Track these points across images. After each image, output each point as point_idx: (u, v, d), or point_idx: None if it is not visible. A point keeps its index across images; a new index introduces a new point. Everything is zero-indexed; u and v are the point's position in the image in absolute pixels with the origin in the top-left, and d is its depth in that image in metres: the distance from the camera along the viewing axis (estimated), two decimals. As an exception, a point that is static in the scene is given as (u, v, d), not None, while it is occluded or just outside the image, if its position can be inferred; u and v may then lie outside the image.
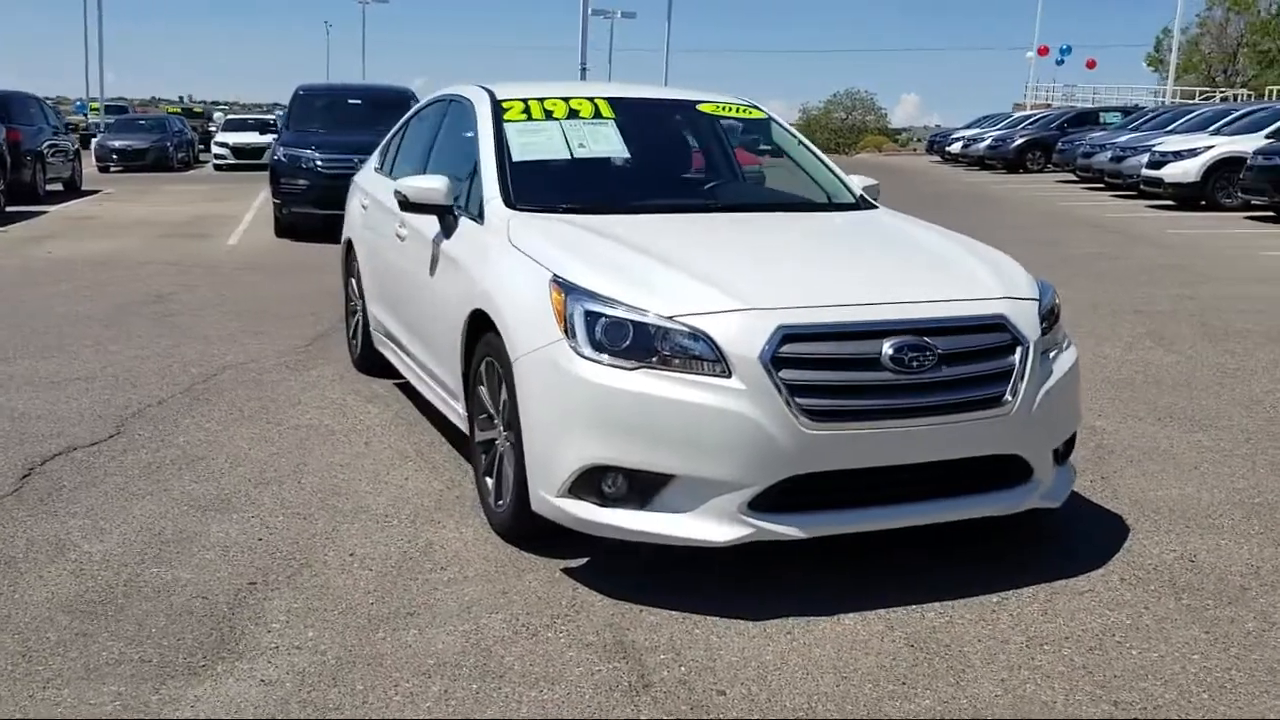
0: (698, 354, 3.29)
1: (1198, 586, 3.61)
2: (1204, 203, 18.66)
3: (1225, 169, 18.70)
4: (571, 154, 4.64)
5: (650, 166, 4.90)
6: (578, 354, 3.39)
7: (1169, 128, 23.33)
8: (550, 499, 3.48)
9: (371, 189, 6.08)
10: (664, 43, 45.33)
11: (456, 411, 4.50)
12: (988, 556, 3.81)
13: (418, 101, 14.77)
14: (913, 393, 3.35)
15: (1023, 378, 3.50)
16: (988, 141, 32.71)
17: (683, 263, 3.66)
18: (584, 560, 3.73)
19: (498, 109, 4.80)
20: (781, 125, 5.28)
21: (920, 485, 3.45)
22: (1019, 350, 3.53)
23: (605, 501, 3.39)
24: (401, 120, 6.28)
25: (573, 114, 4.82)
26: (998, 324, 3.54)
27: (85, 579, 3.57)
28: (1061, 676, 3.01)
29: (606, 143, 4.73)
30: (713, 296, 3.39)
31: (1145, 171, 19.86)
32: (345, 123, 14.18)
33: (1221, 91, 36.16)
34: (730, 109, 5.24)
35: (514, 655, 3.10)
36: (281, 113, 23.81)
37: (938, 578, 3.62)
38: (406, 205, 4.56)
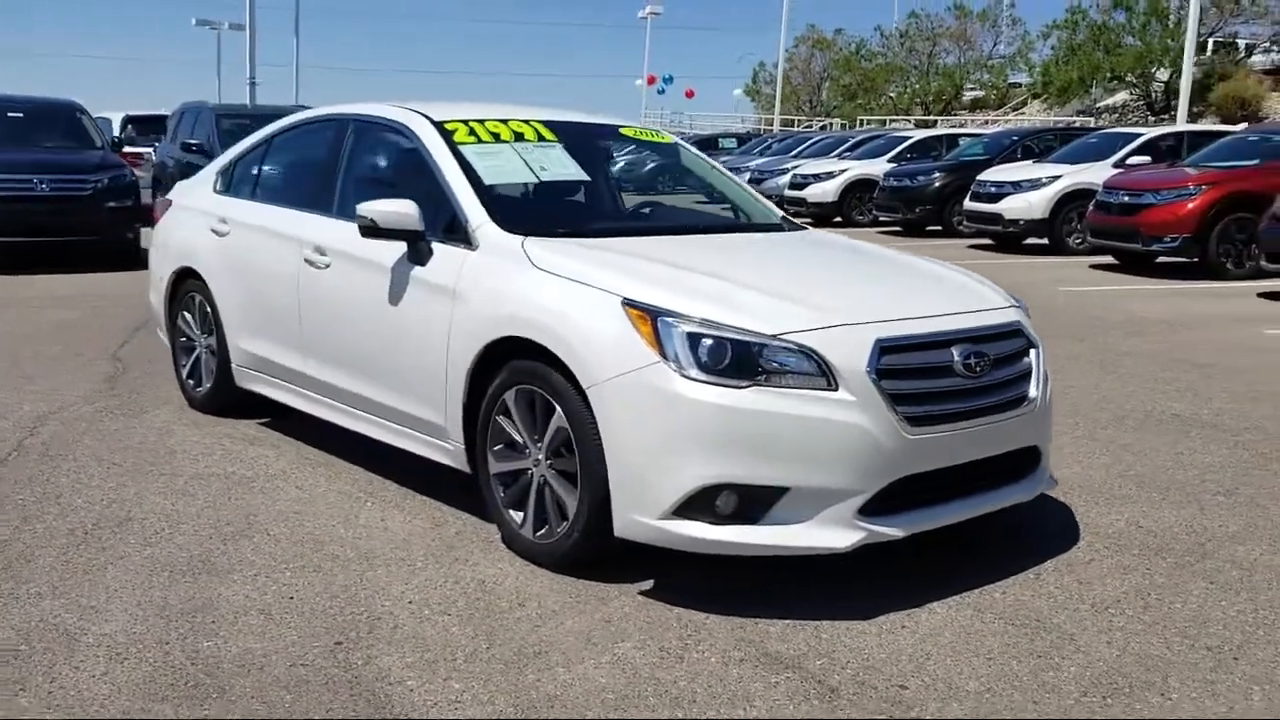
0: (803, 369, 3.43)
1: (1168, 547, 4.21)
2: (840, 219, 20.85)
3: (858, 189, 21.21)
4: (537, 177, 4.59)
5: (611, 189, 4.93)
6: (682, 376, 3.42)
7: (793, 152, 25.91)
8: (650, 522, 3.47)
9: (231, 213, 5.59)
10: (281, 58, 43.43)
11: (438, 446, 4.30)
12: (978, 546, 4.21)
13: (86, 114, 13.71)
14: (977, 395, 3.69)
15: (1038, 376, 3.95)
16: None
17: (744, 281, 3.78)
18: (649, 582, 3.74)
19: (444, 132, 4.64)
20: (692, 151, 5.48)
21: (976, 480, 3.79)
22: (1033, 352, 3.98)
23: (718, 519, 3.44)
24: (252, 141, 5.82)
25: (518, 137, 4.76)
26: (1017, 330, 3.97)
27: (139, 666, 3.12)
28: (1149, 630, 3.45)
29: (563, 166, 4.71)
30: (804, 314, 3.54)
31: (788, 192, 21.86)
32: (8, 138, 12.62)
33: (819, 120, 40.34)
34: (645, 134, 5.37)
35: (684, 679, 3.09)
36: None
37: (966, 569, 3.96)
38: (372, 231, 4.31)
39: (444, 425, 4.24)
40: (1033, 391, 3.91)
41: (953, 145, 22.28)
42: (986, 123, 34.71)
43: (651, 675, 3.12)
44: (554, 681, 3.07)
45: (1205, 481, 5.02)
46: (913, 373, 3.57)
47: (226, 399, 5.75)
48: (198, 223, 5.84)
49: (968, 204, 17.18)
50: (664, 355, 3.45)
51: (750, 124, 47.16)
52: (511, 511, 3.99)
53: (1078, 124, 30.51)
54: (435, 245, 4.31)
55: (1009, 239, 16.67)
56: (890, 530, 3.53)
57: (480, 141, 4.64)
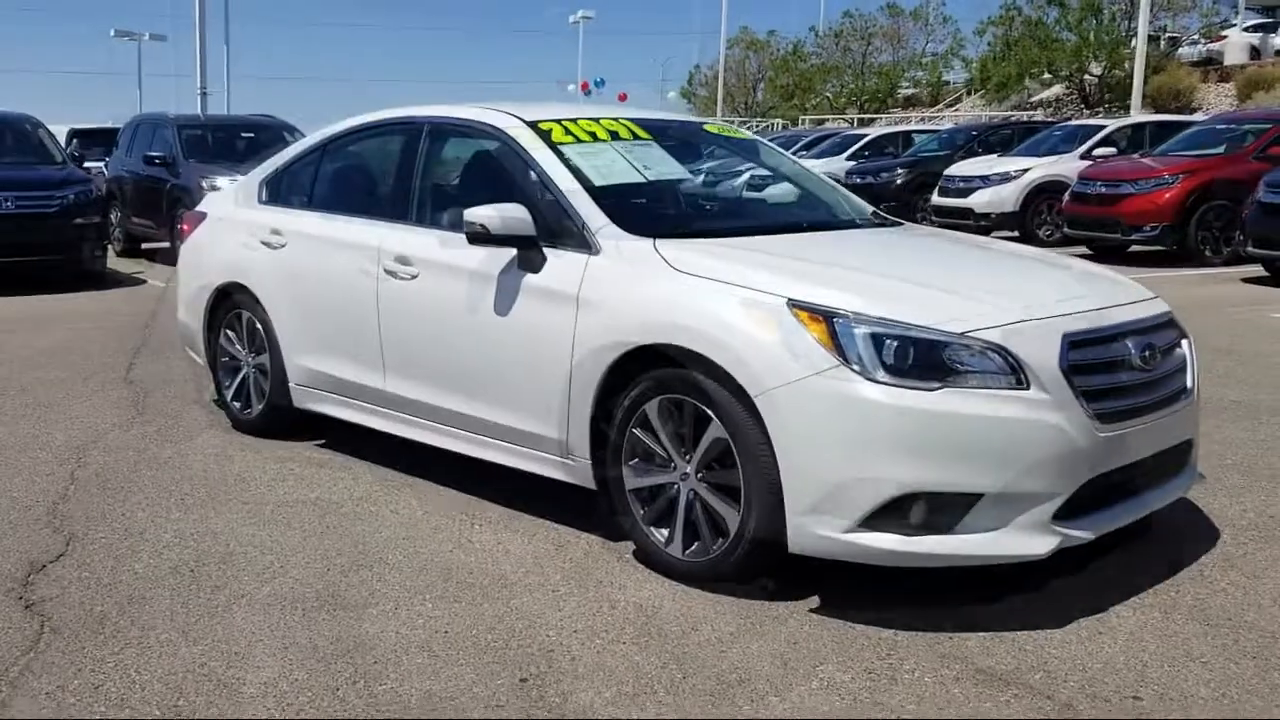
0: (992, 368, 3.28)
1: (1303, 537, 4.14)
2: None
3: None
4: (644, 177, 4.38)
5: (710, 188, 4.74)
6: (869, 379, 3.24)
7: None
8: (835, 535, 3.29)
9: (286, 224, 5.29)
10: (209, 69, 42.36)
11: (557, 463, 4.08)
12: (1115, 544, 4.08)
13: (43, 127, 13.11)
14: (1152, 389, 3.58)
15: (1193, 367, 3.85)
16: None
17: (904, 277, 3.63)
18: (814, 598, 3.56)
19: (540, 132, 4.42)
20: (772, 147, 5.31)
21: (1144, 476, 3.67)
22: (1185, 342, 3.88)
23: (909, 530, 3.27)
24: (301, 149, 5.52)
25: (614, 136, 4.55)
26: (1171, 320, 3.86)
27: (320, 716, 2.86)
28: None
29: (666, 165, 4.51)
30: (987, 310, 3.40)
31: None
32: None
33: (757, 121, 40.52)
34: (727, 130, 5.19)
35: (909, 703, 2.92)
36: None
37: (1117, 567, 3.83)
38: (483, 238, 4.07)
39: (564, 440, 4.02)
40: (1189, 382, 3.81)
41: (908, 142, 22.45)
42: (925, 119, 35.10)
43: (872, 699, 2.94)
44: (772, 710, 2.88)
45: (1307, 468, 4.98)
46: (1098, 368, 3.44)
47: (281, 421, 5.45)
48: (243, 235, 5.52)
49: (936, 199, 17.26)
50: (844, 358, 3.28)
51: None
52: (653, 529, 3.78)
53: (1014, 118, 30.99)
54: (552, 252, 4.09)
55: (978, 233, 16.74)
56: (1081, 533, 3.39)
57: (579, 141, 4.43)
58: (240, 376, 5.63)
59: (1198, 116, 21.31)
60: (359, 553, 3.99)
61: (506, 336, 4.17)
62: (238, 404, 5.65)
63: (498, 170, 4.55)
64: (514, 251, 4.15)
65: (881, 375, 3.24)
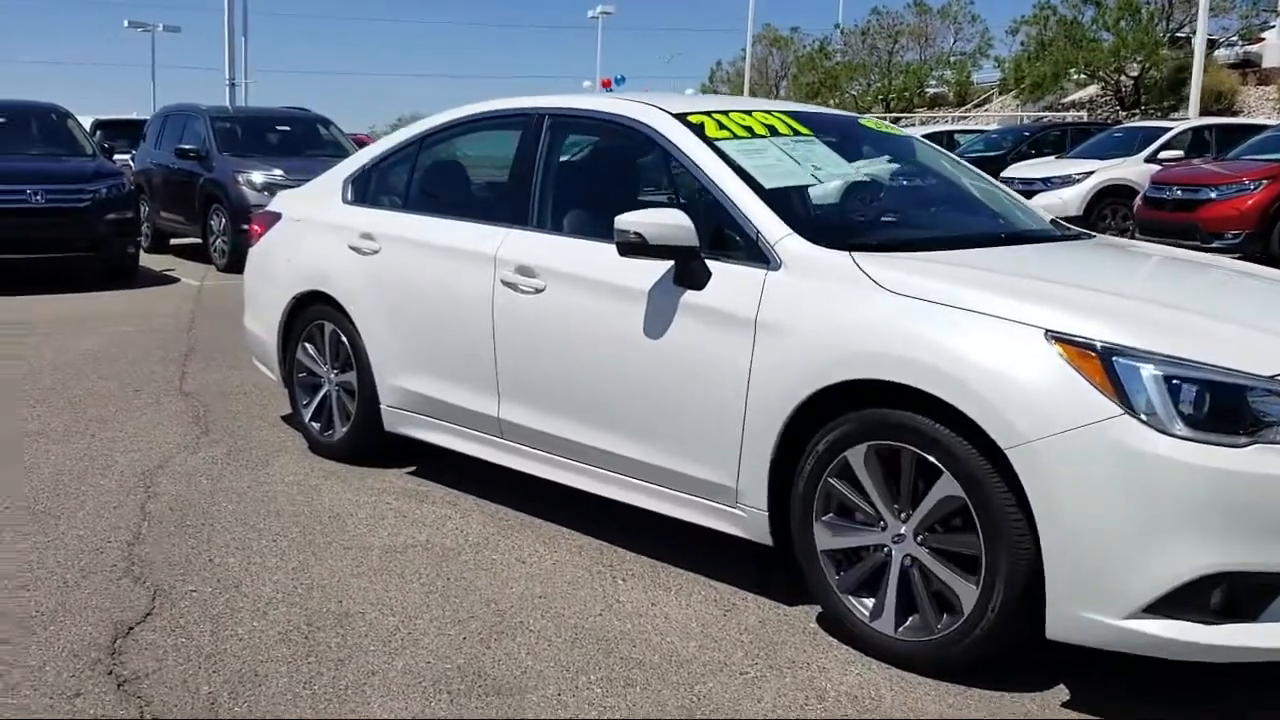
0: (1307, 418, 2.69)
1: None
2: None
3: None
4: (816, 179, 3.79)
5: (878, 190, 4.14)
6: (1163, 432, 2.64)
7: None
8: (1111, 622, 2.69)
9: (379, 228, 4.70)
10: (212, 61, 41.75)
11: (722, 512, 3.50)
12: None
13: (73, 117, 12.51)
14: None
15: None
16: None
17: (1176, 305, 3.04)
18: (1061, 689, 2.98)
19: (692, 126, 3.83)
20: (930, 146, 4.70)
21: None
22: None
23: (1206, 617, 2.68)
24: (394, 143, 4.93)
25: (772, 131, 3.96)
26: None
27: None
28: None
29: (835, 165, 3.92)
30: (1288, 347, 2.80)
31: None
32: (-4, 145, 11.45)
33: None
34: (883, 127, 4.59)
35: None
36: None
37: None
38: (636, 248, 3.48)
39: (733, 487, 3.44)
40: None
41: (951, 143, 21.83)
42: (955, 119, 34.43)
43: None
44: None
45: None
46: None
47: (368, 446, 4.87)
48: (326, 239, 4.94)
49: None
50: (1128, 405, 2.68)
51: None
52: (852, 598, 3.19)
53: (1045, 119, 30.31)
54: (710, 264, 3.50)
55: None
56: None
57: (735, 137, 3.84)
58: (320, 395, 5.05)
59: (1260, 120, 20.64)
60: (494, 615, 3.41)
61: (659, 362, 3.58)
62: (317, 425, 5.07)
63: (641, 170, 3.99)
64: (668, 264, 3.57)
65: (1179, 428, 2.64)
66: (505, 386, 4.16)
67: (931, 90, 41.64)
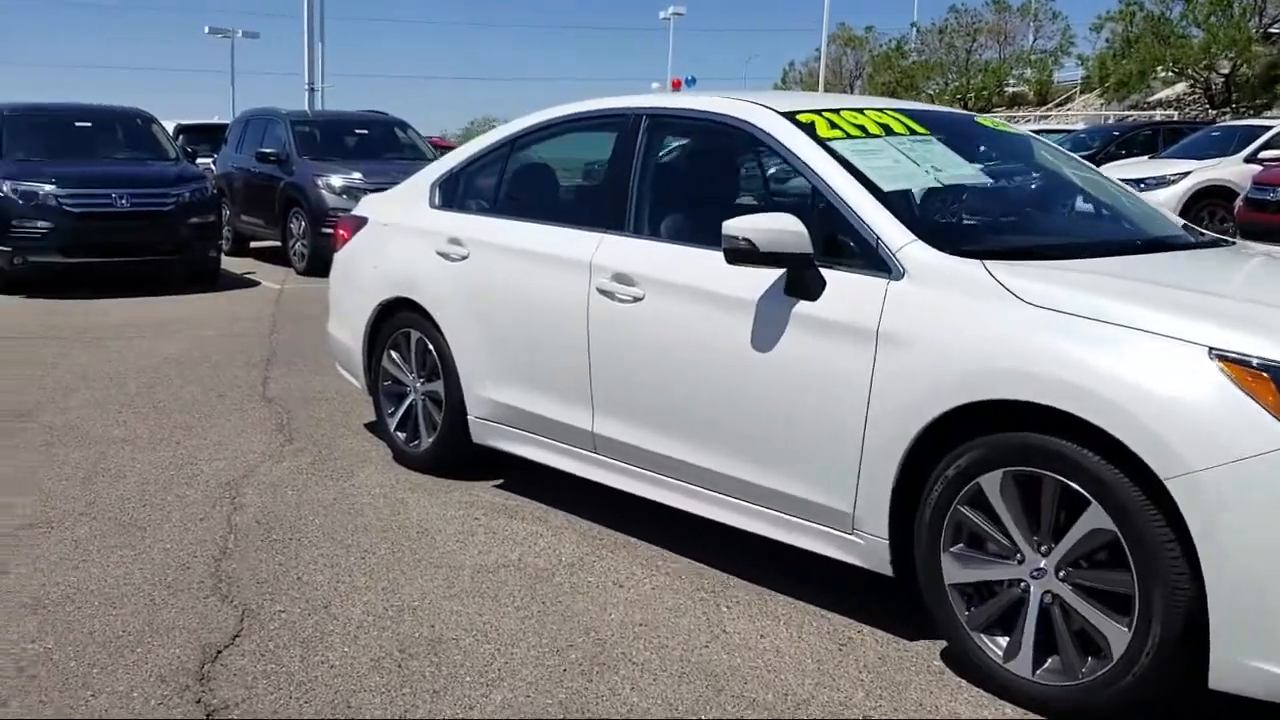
0: None
1: None
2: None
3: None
4: (938, 181, 3.55)
5: (1001, 193, 3.89)
6: (1350, 465, 2.38)
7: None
8: (1282, 671, 2.44)
9: (468, 233, 4.55)
10: (289, 66, 42.26)
11: (837, 539, 3.27)
12: None
13: (156, 122, 12.63)
14: None
15: None
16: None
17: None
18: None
19: (803, 126, 3.61)
20: (1049, 145, 4.42)
21: None
22: None
23: (1392, 671, 2.40)
24: (484, 145, 4.78)
25: (887, 130, 3.73)
26: None
27: None
28: None
29: (957, 166, 3.67)
30: None
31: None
32: (77, 149, 11.57)
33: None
34: (1000, 125, 4.33)
35: None
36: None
37: None
38: (746, 255, 3.27)
39: (849, 512, 3.21)
40: None
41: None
42: (1037, 118, 33.68)
43: None
44: None
45: None
46: None
47: (455, 457, 4.72)
48: (414, 244, 4.80)
49: None
50: (1312, 432, 2.41)
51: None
52: (984, 636, 2.95)
53: (1131, 118, 29.48)
54: (825, 273, 3.28)
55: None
56: None
57: (849, 137, 3.61)
58: (406, 404, 4.91)
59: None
60: (594, 644, 3.22)
61: (769, 377, 3.37)
62: (402, 435, 4.93)
63: (747, 172, 3.76)
64: (779, 272, 3.35)
65: (1370, 459, 2.38)
66: (600, 399, 3.97)
67: (1011, 89, 40.86)
